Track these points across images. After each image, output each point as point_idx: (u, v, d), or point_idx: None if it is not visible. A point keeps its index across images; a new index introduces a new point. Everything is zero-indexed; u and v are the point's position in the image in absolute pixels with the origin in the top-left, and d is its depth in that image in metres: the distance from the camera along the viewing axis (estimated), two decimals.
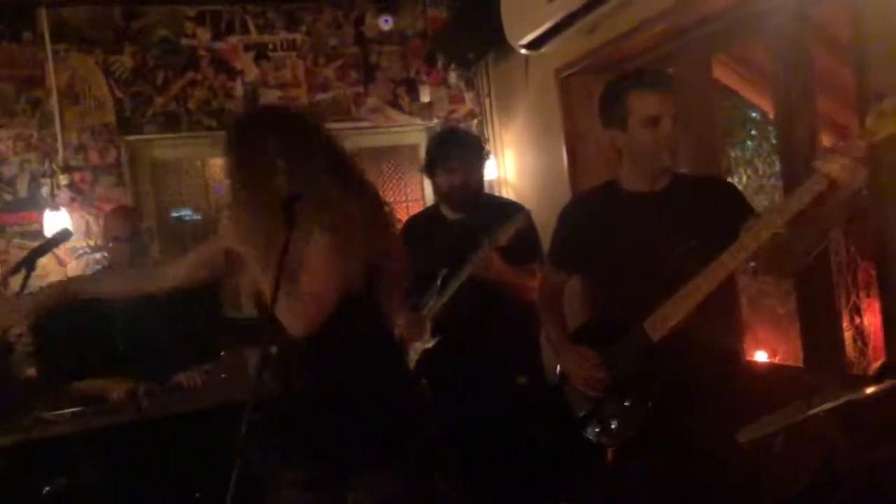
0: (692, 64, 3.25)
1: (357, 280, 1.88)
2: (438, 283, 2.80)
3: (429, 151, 3.00)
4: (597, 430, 2.15)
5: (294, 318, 1.81)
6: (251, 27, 4.49)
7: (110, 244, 3.04)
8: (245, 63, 4.47)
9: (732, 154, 4.71)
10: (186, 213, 4.58)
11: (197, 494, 2.60)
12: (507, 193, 4.56)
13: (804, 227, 1.80)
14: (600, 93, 2.20)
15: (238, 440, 1.87)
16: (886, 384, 1.60)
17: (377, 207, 1.99)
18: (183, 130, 4.38)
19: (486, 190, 3.39)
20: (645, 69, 2.29)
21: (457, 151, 2.87)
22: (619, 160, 2.20)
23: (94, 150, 4.22)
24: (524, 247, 2.76)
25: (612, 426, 2.11)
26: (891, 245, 2.31)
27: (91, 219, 4.17)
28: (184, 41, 4.38)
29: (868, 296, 3.45)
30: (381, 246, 1.94)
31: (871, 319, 3.42)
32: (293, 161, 1.84)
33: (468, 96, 4.85)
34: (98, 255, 4.13)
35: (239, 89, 4.46)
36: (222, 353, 3.11)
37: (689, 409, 1.98)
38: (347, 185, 1.89)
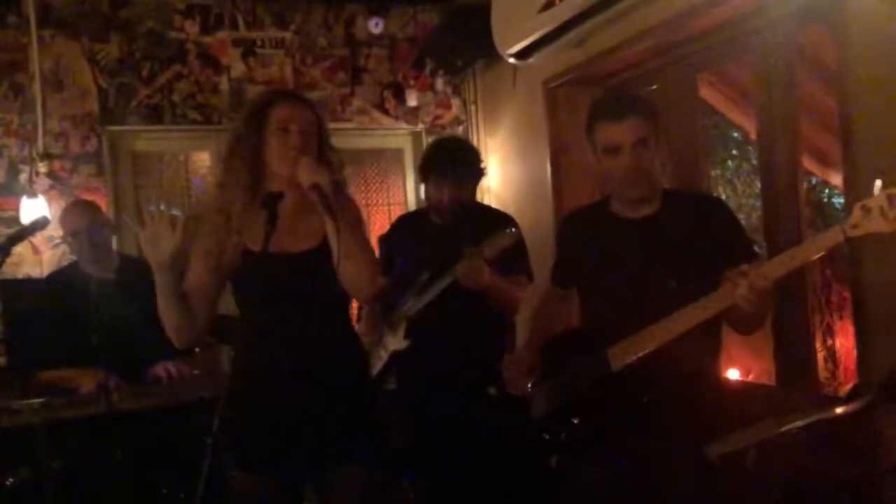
0: (678, 82, 3.28)
1: None
2: (418, 286, 2.78)
3: (424, 157, 2.94)
4: (547, 437, 2.19)
5: (364, 280, 1.97)
6: (240, 23, 4.48)
7: (69, 239, 3.00)
8: (232, 58, 4.45)
9: (713, 173, 4.76)
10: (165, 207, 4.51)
11: (164, 490, 2.58)
12: (489, 202, 4.56)
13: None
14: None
15: (210, 437, 1.86)
16: (856, 404, 1.61)
17: None
18: (166, 123, 4.35)
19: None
20: (609, 95, 2.28)
21: (449, 168, 2.81)
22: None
23: (74, 138, 4.18)
24: (511, 258, 2.72)
25: (562, 437, 2.14)
26: (866, 267, 2.33)
27: None
28: (171, 34, 4.35)
29: (841, 318, 3.48)
30: None
31: (843, 342, 3.46)
32: None
33: (455, 102, 4.86)
34: None
35: (225, 84, 4.43)
36: (196, 350, 3.09)
37: (652, 429, 1.96)
38: None
